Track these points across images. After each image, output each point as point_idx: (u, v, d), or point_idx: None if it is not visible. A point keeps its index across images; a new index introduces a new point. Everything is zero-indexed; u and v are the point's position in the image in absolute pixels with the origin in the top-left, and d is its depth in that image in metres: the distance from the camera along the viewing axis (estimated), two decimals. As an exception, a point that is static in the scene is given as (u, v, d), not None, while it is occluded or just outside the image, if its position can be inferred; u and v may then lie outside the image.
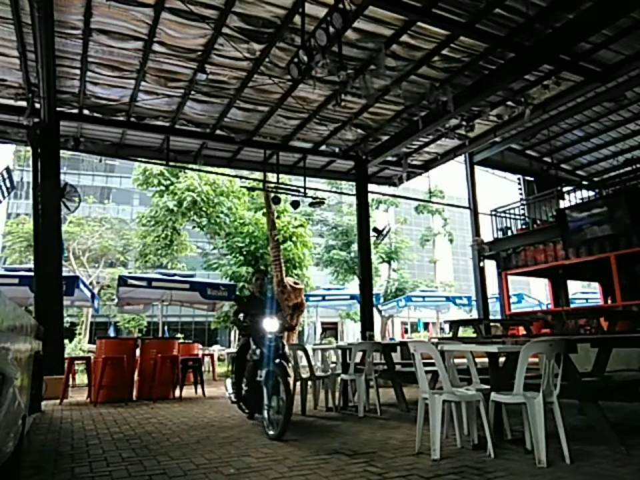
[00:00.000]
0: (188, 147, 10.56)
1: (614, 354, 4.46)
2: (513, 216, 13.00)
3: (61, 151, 8.95)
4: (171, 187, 16.82)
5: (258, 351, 4.65)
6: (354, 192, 12.64)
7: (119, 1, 6.14)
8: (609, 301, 11.59)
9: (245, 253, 17.30)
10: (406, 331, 29.89)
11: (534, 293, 29.75)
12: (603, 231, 9.90)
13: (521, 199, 14.03)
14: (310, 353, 6.58)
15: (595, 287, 15.62)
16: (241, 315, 5.17)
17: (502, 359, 4.01)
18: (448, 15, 6.48)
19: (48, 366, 6.37)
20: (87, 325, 25.56)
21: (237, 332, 24.09)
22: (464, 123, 9.53)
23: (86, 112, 8.87)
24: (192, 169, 13.70)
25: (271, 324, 4.65)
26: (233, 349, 16.45)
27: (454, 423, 3.75)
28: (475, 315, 15.96)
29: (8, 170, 8.18)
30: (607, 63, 7.81)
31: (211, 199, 16.85)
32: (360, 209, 11.90)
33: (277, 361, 4.40)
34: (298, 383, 5.78)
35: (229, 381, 5.50)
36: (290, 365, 5.28)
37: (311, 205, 13.97)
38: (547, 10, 6.45)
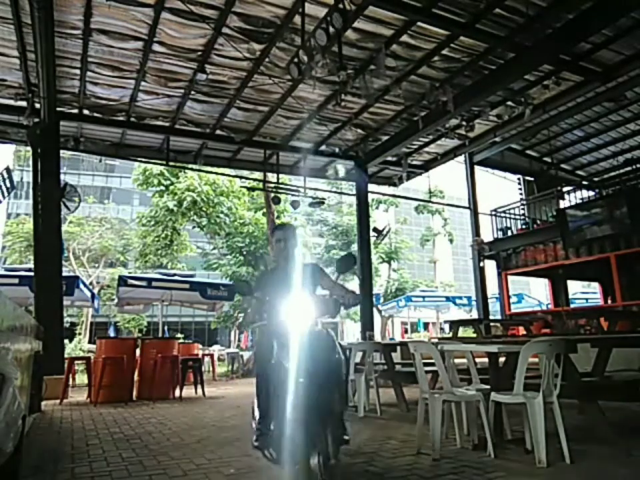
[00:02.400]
0: (188, 147, 10.56)
1: (614, 354, 4.46)
2: (513, 216, 13.00)
3: (61, 151, 8.94)
4: (171, 187, 16.82)
5: (285, 360, 2.60)
6: (354, 192, 12.65)
7: (119, 0, 6.14)
8: (609, 301, 11.59)
9: (244, 253, 17.31)
10: (406, 331, 29.88)
11: (534, 293, 29.74)
12: (603, 231, 9.91)
13: (521, 199, 14.02)
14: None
15: (595, 287, 15.62)
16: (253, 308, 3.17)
17: (502, 359, 4.01)
18: (448, 14, 6.48)
19: (48, 366, 6.37)
20: (87, 325, 25.57)
21: (237, 331, 24.11)
22: (464, 122, 9.53)
23: (86, 112, 8.87)
24: (192, 169, 13.68)
25: (303, 309, 2.70)
26: (233, 349, 16.47)
27: (454, 423, 3.75)
28: (475, 315, 15.95)
29: (8, 170, 8.18)
30: (606, 63, 7.80)
31: (211, 198, 16.85)
32: (360, 209, 11.90)
33: (313, 376, 2.47)
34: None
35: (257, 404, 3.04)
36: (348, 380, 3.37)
37: (310, 205, 13.96)
38: (547, 10, 6.45)
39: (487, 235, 12.97)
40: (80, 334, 24.75)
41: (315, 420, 2.44)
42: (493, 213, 13.15)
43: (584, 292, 20.00)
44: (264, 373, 2.85)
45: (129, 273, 21.51)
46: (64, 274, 9.15)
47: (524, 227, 12.64)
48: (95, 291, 19.55)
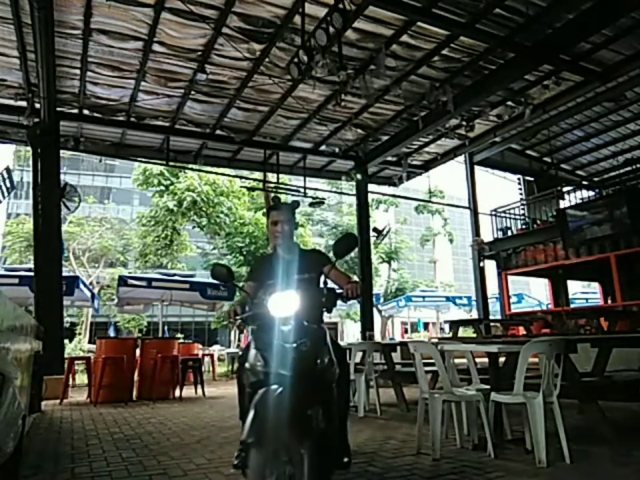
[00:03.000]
0: (188, 147, 10.56)
1: (614, 354, 4.46)
2: (513, 216, 13.00)
3: (61, 151, 8.94)
4: (171, 187, 16.84)
5: (260, 363, 2.12)
6: (354, 192, 12.65)
7: (119, 0, 6.14)
8: (609, 301, 11.59)
9: (244, 253, 17.31)
10: (406, 331, 29.88)
11: (534, 293, 29.73)
12: (603, 231, 9.90)
13: (521, 199, 14.02)
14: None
15: (595, 286, 15.62)
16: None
17: (502, 359, 4.01)
18: (448, 15, 6.47)
19: (48, 366, 6.37)
20: (87, 325, 25.56)
21: (237, 331, 24.11)
22: (464, 122, 9.52)
23: (86, 112, 8.87)
24: (192, 169, 13.69)
25: (293, 302, 2.13)
26: (233, 349, 16.45)
27: (454, 423, 3.75)
28: (475, 315, 15.96)
29: (8, 170, 8.18)
30: (606, 63, 7.80)
31: (211, 199, 16.86)
32: (360, 209, 11.90)
33: (284, 385, 1.98)
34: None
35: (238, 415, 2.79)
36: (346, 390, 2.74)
37: (311, 204, 13.97)
38: (547, 10, 6.45)
39: (487, 235, 12.97)
40: (80, 334, 24.75)
41: (289, 439, 1.88)
42: (493, 213, 13.14)
43: (584, 292, 20.00)
44: (240, 379, 2.41)
45: (129, 272, 21.51)
46: (64, 274, 9.15)
47: (524, 227, 12.64)
48: (95, 291, 19.55)
